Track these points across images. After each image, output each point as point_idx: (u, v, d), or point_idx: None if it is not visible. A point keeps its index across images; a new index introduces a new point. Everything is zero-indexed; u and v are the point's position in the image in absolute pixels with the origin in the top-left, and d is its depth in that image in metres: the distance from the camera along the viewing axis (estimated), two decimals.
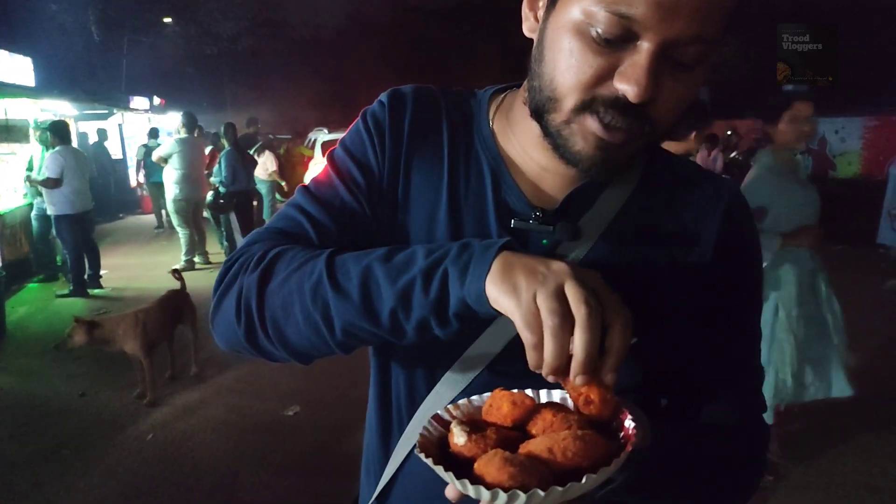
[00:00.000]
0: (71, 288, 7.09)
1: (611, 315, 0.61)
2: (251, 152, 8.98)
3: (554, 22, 0.71)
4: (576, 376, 0.60)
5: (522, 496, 0.53)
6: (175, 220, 8.13)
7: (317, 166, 11.69)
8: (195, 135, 8.35)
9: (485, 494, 0.53)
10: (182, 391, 4.58)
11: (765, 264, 3.03)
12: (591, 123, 0.70)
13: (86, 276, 7.23)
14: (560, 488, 0.53)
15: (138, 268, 8.51)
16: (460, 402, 0.70)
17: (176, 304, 4.74)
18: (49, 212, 7.00)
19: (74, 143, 8.91)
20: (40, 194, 7.11)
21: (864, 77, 13.39)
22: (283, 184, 10.25)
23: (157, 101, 19.42)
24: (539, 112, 0.75)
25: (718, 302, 0.85)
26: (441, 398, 0.83)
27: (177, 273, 5.21)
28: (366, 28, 23.23)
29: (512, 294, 0.62)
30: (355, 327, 0.72)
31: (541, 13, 0.75)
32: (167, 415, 4.22)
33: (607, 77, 0.68)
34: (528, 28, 0.78)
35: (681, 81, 0.69)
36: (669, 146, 2.78)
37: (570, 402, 0.66)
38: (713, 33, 0.67)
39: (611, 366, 0.61)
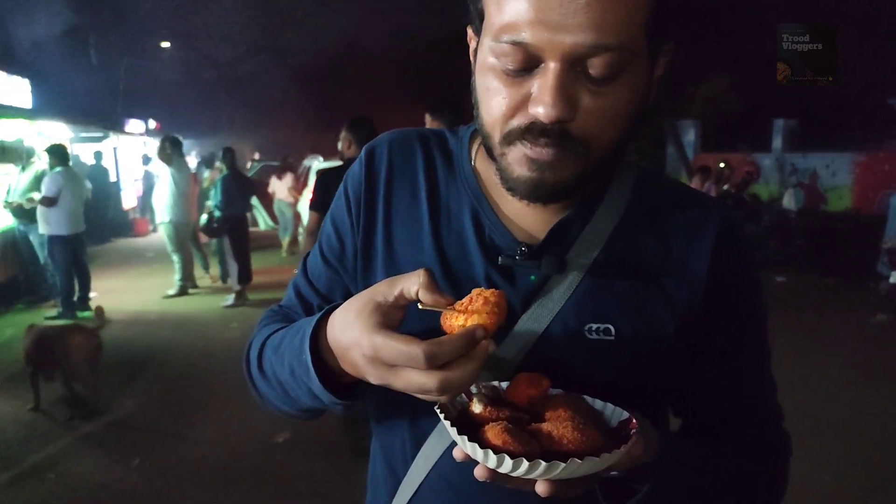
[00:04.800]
0: (60, 310, 7.02)
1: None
2: None
3: (478, 67, 0.75)
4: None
5: (509, 461, 0.58)
6: (169, 245, 8.07)
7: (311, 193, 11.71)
8: (183, 158, 8.32)
9: (479, 453, 0.60)
10: (172, 417, 4.53)
11: None
12: (521, 148, 0.72)
13: (75, 299, 7.16)
14: (544, 463, 0.57)
15: (127, 291, 8.44)
16: (486, 383, 0.72)
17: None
18: (41, 231, 6.96)
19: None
20: (23, 216, 7.13)
21: (853, 114, 13.61)
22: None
23: (152, 124, 19.48)
24: (486, 148, 0.78)
25: (717, 326, 0.83)
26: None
27: (98, 311, 5.08)
28: (363, 55, 23.44)
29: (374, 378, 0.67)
30: (297, 404, 0.85)
31: (473, 62, 0.78)
32: (153, 441, 4.16)
33: (525, 105, 0.70)
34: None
35: (602, 95, 0.69)
36: None
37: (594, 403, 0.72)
38: (617, 39, 0.65)
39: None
